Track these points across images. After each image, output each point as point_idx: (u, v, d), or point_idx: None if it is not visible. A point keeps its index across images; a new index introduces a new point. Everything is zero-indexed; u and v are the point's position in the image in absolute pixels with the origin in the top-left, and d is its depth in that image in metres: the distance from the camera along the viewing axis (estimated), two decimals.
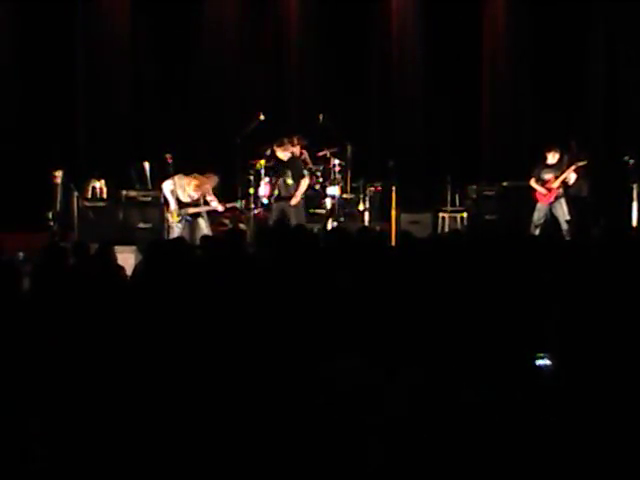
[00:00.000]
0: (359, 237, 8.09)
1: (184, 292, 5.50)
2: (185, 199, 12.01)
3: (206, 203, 12.09)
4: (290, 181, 12.77)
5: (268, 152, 14.04)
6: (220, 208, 12.19)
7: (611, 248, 7.02)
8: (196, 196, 11.99)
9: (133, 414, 3.64)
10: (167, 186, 12.06)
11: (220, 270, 6.42)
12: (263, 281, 5.93)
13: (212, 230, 12.12)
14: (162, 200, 12.55)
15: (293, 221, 12.09)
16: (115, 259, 6.79)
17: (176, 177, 12.05)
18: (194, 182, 11.97)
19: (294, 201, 12.79)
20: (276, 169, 12.90)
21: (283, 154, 12.82)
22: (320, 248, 8.07)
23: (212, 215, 12.54)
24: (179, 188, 11.95)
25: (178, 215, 11.90)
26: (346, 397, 2.71)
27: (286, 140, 13.01)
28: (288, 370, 3.77)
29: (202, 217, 12.09)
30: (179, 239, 9.57)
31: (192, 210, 12.01)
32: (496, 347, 3.99)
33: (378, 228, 12.72)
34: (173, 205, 12.01)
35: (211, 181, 12.15)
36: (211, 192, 12.18)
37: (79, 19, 15.46)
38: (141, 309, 5.19)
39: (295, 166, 12.95)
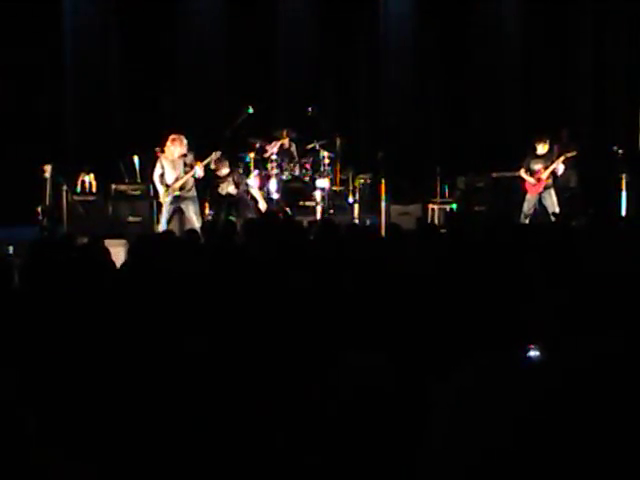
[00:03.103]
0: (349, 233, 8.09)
1: (173, 286, 5.49)
2: (171, 177, 11.96)
3: (185, 172, 12.03)
4: (233, 190, 12.74)
5: (257, 145, 14.07)
6: (200, 171, 12.11)
7: (597, 236, 7.05)
8: (180, 153, 11.94)
9: (126, 410, 3.64)
10: (156, 172, 12.06)
11: (210, 262, 6.41)
12: (254, 273, 5.92)
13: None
14: (151, 191, 12.58)
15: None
16: (108, 254, 6.76)
17: (159, 159, 12.03)
18: (169, 142, 11.97)
19: (263, 206, 12.82)
20: (216, 185, 12.86)
21: (221, 170, 12.76)
22: (309, 241, 8.08)
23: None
24: (165, 162, 11.94)
25: (166, 195, 11.91)
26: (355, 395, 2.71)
27: (223, 157, 12.87)
28: (287, 364, 3.77)
29: (192, 202, 12.06)
30: (167, 232, 9.55)
31: (177, 184, 11.97)
32: (488, 339, 4.00)
33: (368, 222, 12.73)
34: (161, 190, 12.01)
35: (180, 137, 12.13)
36: (191, 157, 12.12)
37: (67, 14, 15.43)
38: (128, 302, 5.19)
39: (237, 175, 12.91)
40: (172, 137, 12.00)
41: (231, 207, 12.57)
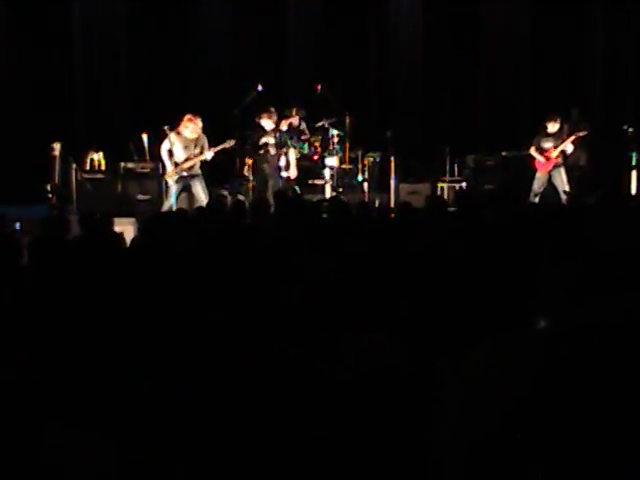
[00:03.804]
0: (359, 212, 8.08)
1: (181, 264, 5.49)
2: (181, 155, 11.92)
3: (200, 154, 11.99)
4: (273, 151, 12.67)
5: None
6: (210, 155, 12.11)
7: (607, 214, 7.02)
8: (194, 135, 11.89)
9: (135, 390, 3.65)
10: (164, 146, 12.00)
11: (219, 241, 6.41)
12: (262, 251, 5.92)
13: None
14: (160, 169, 12.54)
15: (272, 187, 12.22)
16: (111, 228, 6.78)
17: (171, 135, 11.95)
18: (185, 120, 11.90)
19: (293, 174, 12.77)
20: (258, 137, 12.79)
21: (267, 123, 12.70)
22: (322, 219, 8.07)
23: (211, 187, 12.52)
24: (177, 141, 11.88)
25: (175, 173, 11.88)
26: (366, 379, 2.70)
27: (273, 110, 12.87)
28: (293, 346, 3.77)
29: (198, 179, 12.04)
30: (180, 210, 9.55)
31: (186, 165, 11.93)
32: (498, 318, 4.00)
33: (378, 202, 12.71)
34: (169, 167, 11.97)
35: (196, 118, 12.06)
36: (205, 140, 12.09)
37: None
38: (139, 280, 5.19)
39: (279, 136, 12.83)
40: (189, 117, 11.95)
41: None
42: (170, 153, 11.94)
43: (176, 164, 11.92)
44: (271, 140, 12.62)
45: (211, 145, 12.12)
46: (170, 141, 11.90)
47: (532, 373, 1.27)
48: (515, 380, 1.26)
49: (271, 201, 9.87)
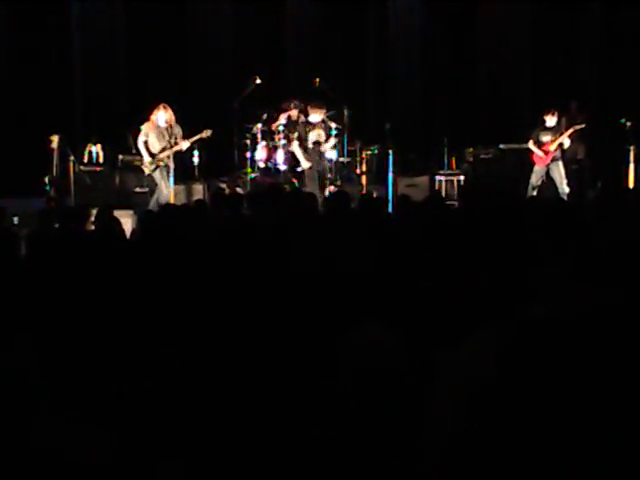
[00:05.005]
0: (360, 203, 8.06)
1: (182, 259, 5.49)
2: (157, 145, 11.82)
3: (175, 144, 11.89)
4: (328, 144, 12.54)
5: (265, 116, 14.01)
6: (185, 146, 12.03)
7: (607, 209, 7.03)
8: (166, 124, 11.78)
9: (136, 384, 3.65)
10: (141, 139, 11.91)
11: (220, 235, 6.41)
12: (263, 245, 5.92)
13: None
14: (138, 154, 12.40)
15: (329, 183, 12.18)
16: (118, 224, 6.76)
17: (144, 127, 11.91)
18: (155, 111, 11.83)
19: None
20: (306, 132, 12.63)
21: (316, 117, 12.56)
22: (319, 212, 8.06)
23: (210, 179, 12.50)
24: (150, 132, 11.82)
25: (151, 164, 11.80)
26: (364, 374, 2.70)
27: (317, 101, 12.72)
28: (294, 342, 3.77)
29: (170, 171, 11.95)
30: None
31: (163, 154, 11.85)
32: (497, 308, 4.01)
33: (376, 194, 12.70)
34: (147, 157, 11.87)
35: (167, 107, 11.98)
36: (179, 129, 12.00)
37: None
38: (139, 273, 5.19)
39: (326, 128, 12.74)
40: (158, 107, 11.88)
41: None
42: (146, 145, 11.87)
43: (153, 155, 11.83)
44: (322, 134, 12.47)
45: (187, 136, 12.02)
46: (144, 133, 11.87)
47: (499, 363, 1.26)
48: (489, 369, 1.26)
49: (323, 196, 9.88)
